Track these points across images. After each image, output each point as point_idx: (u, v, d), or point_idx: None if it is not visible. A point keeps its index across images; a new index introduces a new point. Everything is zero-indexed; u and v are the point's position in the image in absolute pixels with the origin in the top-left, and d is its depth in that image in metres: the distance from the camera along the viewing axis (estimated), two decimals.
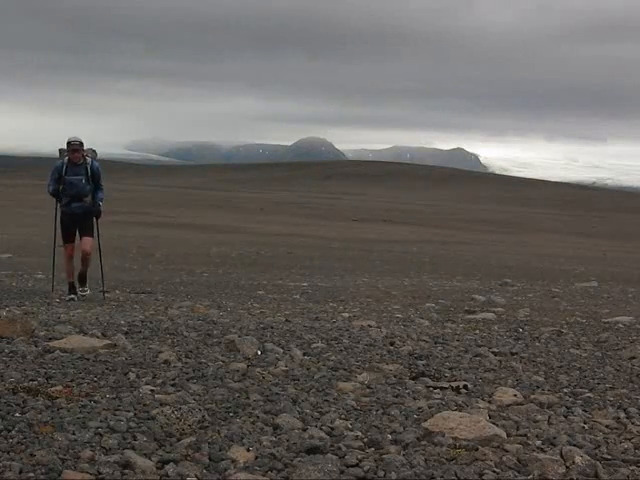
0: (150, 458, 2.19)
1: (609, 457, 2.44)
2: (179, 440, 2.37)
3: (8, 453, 2.17)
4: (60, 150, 8.90)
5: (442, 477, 2.18)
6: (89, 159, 8.52)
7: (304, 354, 3.88)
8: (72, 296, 8.06)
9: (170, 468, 2.12)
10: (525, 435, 2.61)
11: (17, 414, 2.55)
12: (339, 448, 2.35)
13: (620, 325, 6.01)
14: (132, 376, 3.19)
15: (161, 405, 2.71)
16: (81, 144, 8.57)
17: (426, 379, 3.42)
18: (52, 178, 8.44)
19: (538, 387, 3.42)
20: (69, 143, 8.55)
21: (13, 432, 2.35)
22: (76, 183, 8.40)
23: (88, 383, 3.04)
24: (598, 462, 2.34)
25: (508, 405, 3.04)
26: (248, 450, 2.30)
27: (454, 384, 3.30)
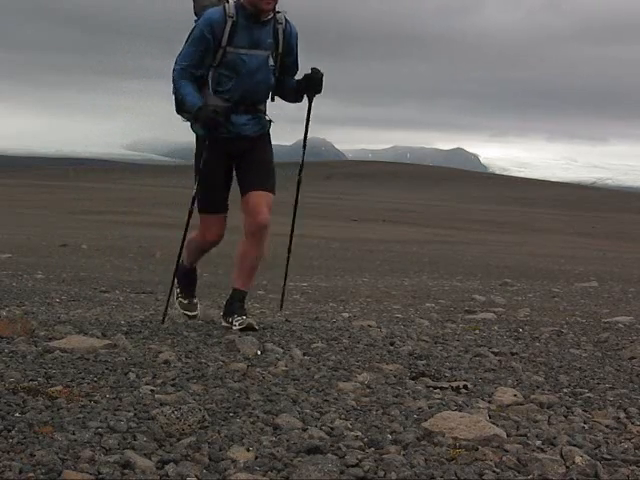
0: (150, 458, 2.19)
1: (609, 457, 2.44)
2: (179, 440, 2.37)
3: (8, 453, 2.17)
4: None
5: (442, 477, 2.18)
6: (282, 16, 4.47)
7: (304, 354, 3.88)
8: (194, 313, 5.11)
9: (170, 468, 2.12)
10: (525, 435, 2.61)
11: (17, 414, 2.55)
12: (339, 448, 2.35)
13: (620, 325, 6.00)
14: (132, 376, 3.19)
15: (161, 405, 2.71)
16: None
17: (426, 379, 3.42)
18: (189, 56, 4.38)
19: (538, 387, 3.42)
20: None
21: (13, 432, 2.35)
22: (255, 67, 4.38)
23: (88, 383, 3.04)
24: (598, 462, 2.34)
25: (508, 405, 3.04)
26: (248, 450, 2.30)
27: (454, 384, 3.30)
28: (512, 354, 4.25)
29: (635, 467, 2.36)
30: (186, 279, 5.19)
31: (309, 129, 4.92)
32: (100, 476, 2.06)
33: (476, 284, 12.57)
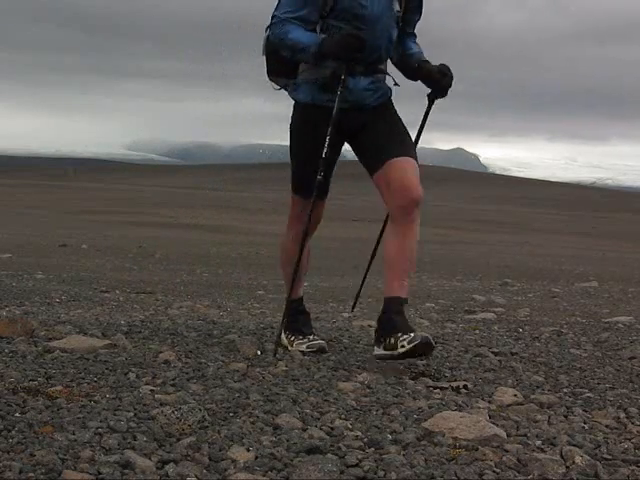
0: (150, 458, 2.19)
1: (609, 457, 2.44)
2: (179, 440, 2.37)
3: (8, 453, 2.17)
4: None
5: (442, 477, 2.18)
6: None
7: (304, 354, 3.88)
8: (319, 342, 3.91)
9: (170, 468, 2.12)
10: (525, 435, 2.61)
11: (17, 414, 2.55)
12: (339, 448, 2.35)
13: (620, 325, 6.00)
14: (132, 376, 3.19)
15: (161, 405, 2.71)
16: None
17: (426, 379, 3.42)
18: (291, 4, 3.53)
19: (538, 387, 3.42)
20: None
21: (13, 432, 2.35)
22: (378, 12, 3.53)
23: (88, 383, 3.04)
24: (598, 462, 2.34)
25: (508, 405, 3.04)
26: (248, 450, 2.30)
27: (454, 384, 3.29)
28: (512, 354, 4.25)
29: (635, 467, 2.36)
30: (298, 316, 4.04)
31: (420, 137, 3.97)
32: (100, 476, 2.06)
33: (476, 284, 12.57)
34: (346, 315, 6.67)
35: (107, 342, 3.87)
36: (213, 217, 38.30)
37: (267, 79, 3.81)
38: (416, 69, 3.75)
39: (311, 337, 3.94)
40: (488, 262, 19.26)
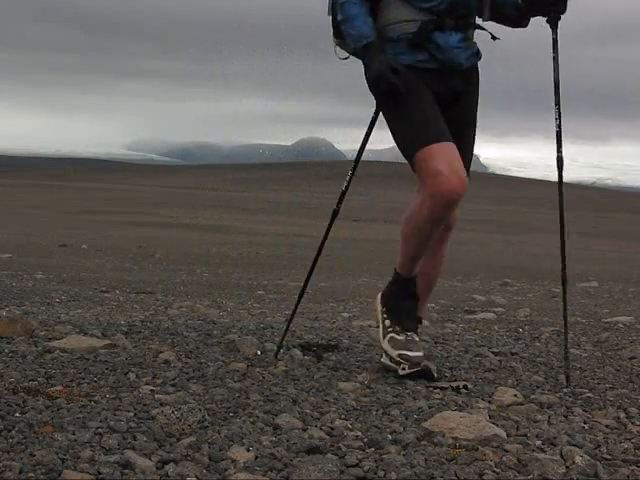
0: (150, 458, 2.19)
1: (609, 457, 2.44)
2: (179, 440, 2.37)
3: (8, 453, 2.17)
4: None
5: (442, 477, 2.18)
6: None
7: (304, 354, 3.88)
8: (417, 354, 3.31)
9: (170, 468, 2.12)
10: (525, 435, 2.61)
11: (17, 414, 2.55)
12: (339, 448, 2.35)
13: (620, 325, 6.01)
14: (132, 376, 3.19)
15: (161, 405, 2.71)
16: None
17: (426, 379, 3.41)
18: None
19: (538, 387, 3.42)
20: None
21: (13, 432, 2.35)
22: None
23: (88, 383, 3.04)
24: (598, 462, 2.34)
25: (508, 405, 3.04)
26: (248, 450, 2.30)
27: (454, 384, 3.29)
28: (512, 354, 4.25)
29: (635, 467, 2.36)
30: (402, 300, 3.40)
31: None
32: (100, 476, 2.06)
33: (476, 284, 12.57)
34: (346, 315, 6.67)
35: (107, 342, 3.87)
36: (213, 217, 38.30)
37: (334, 45, 3.30)
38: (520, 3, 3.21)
39: (410, 335, 3.32)
40: (488, 262, 19.26)
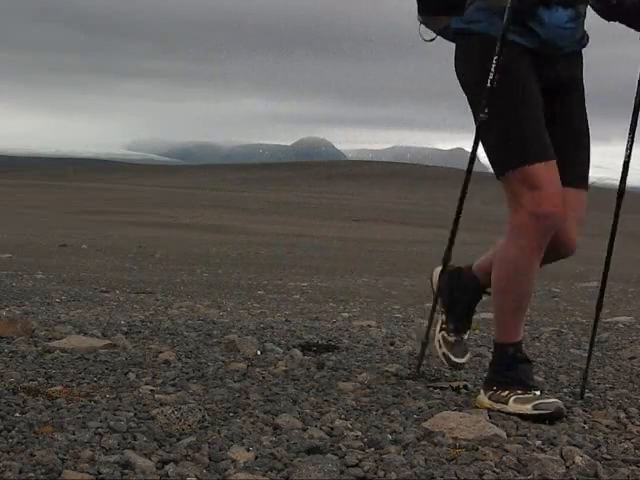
0: (150, 458, 2.19)
1: (609, 457, 2.44)
2: (179, 440, 2.37)
3: (8, 453, 2.17)
4: None
5: (442, 477, 2.18)
6: None
7: (304, 354, 3.88)
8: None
9: (170, 468, 2.12)
10: (525, 435, 2.61)
11: (17, 414, 2.55)
12: (339, 448, 2.35)
13: (620, 325, 6.00)
14: (132, 376, 3.19)
15: (161, 405, 2.71)
16: None
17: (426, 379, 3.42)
18: None
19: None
20: None
21: (13, 432, 2.35)
22: None
23: (88, 383, 3.04)
24: (598, 462, 2.34)
25: None
26: (248, 450, 2.30)
27: (454, 384, 3.30)
28: None
29: (635, 467, 2.36)
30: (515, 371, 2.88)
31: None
32: (100, 476, 2.06)
33: None
34: (346, 315, 6.67)
35: (107, 342, 3.87)
36: (213, 217, 38.31)
37: (418, 25, 2.86)
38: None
39: (537, 393, 2.81)
40: None
